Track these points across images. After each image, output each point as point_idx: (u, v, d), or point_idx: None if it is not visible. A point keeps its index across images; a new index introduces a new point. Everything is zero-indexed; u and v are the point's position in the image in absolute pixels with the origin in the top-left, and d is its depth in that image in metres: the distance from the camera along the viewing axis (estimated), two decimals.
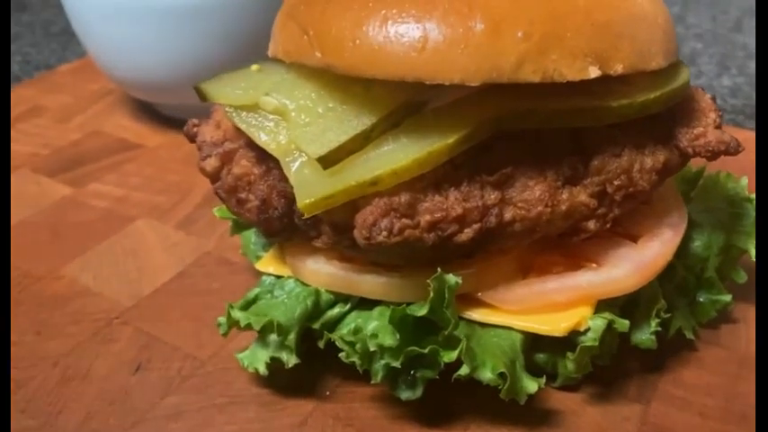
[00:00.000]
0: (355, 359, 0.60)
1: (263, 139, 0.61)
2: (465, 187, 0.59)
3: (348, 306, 0.66)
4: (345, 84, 0.60)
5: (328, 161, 0.58)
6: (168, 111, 1.11)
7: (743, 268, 0.71)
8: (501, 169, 0.59)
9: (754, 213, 0.69)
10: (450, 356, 0.58)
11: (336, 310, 0.66)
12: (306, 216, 0.59)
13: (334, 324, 0.66)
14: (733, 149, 0.61)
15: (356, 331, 0.63)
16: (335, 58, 0.56)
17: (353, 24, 0.55)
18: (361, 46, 0.55)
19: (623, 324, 0.61)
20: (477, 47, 0.53)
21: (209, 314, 0.74)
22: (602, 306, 0.62)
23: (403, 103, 0.59)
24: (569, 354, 0.61)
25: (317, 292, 0.65)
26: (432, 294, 0.58)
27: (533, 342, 0.63)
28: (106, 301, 0.77)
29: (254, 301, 0.70)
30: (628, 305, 0.64)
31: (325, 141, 0.58)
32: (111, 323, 0.75)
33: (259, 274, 0.77)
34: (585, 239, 0.62)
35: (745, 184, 0.71)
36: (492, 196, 0.59)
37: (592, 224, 0.60)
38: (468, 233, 0.58)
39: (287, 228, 0.65)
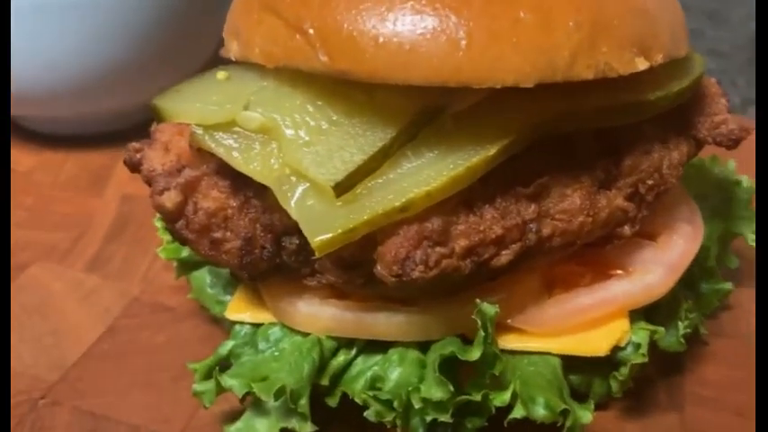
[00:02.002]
0: (390, 418, 0.51)
1: (249, 165, 0.49)
2: (500, 203, 0.51)
3: (354, 351, 0.56)
4: (343, 91, 0.50)
5: (344, 187, 0.47)
6: (35, 125, 0.92)
7: (733, 253, 0.69)
8: (535, 178, 0.51)
9: (745, 197, 0.67)
10: (502, 399, 0.51)
11: (341, 358, 0.56)
12: (319, 255, 0.48)
13: (341, 375, 0.55)
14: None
15: (375, 381, 0.54)
16: (352, 62, 0.46)
17: (373, 20, 0.45)
18: (387, 46, 0.45)
19: (662, 332, 0.56)
20: (528, 41, 0.45)
21: (163, 377, 0.61)
22: (633, 316, 0.57)
23: (420, 110, 0.49)
24: (616, 373, 0.55)
25: (318, 341, 0.55)
26: (480, 331, 0.50)
27: (567, 363, 0.57)
28: (21, 379, 0.61)
29: (229, 357, 0.58)
30: (649, 309, 0.60)
31: (339, 163, 0.48)
32: (37, 406, 0.59)
33: (214, 319, 0.65)
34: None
35: (733, 167, 0.69)
36: (529, 210, 0.51)
37: (627, 229, 0.55)
38: (506, 255, 0.51)
39: (273, 267, 0.54)
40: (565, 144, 0.52)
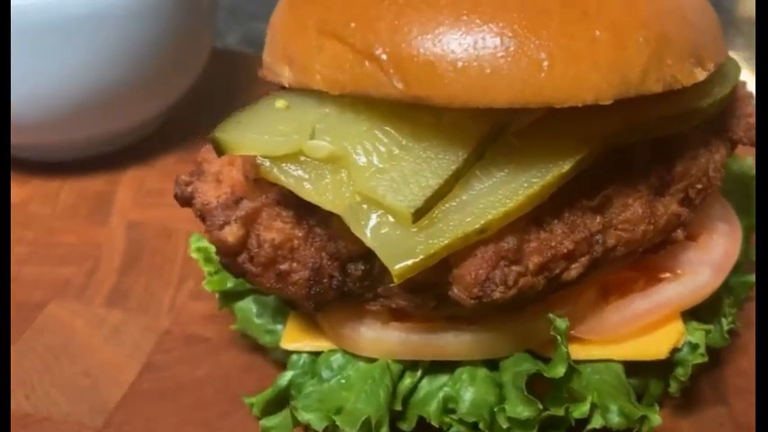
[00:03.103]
0: None
1: (321, 195, 0.48)
2: (567, 217, 0.51)
3: (419, 373, 0.55)
4: (409, 114, 0.49)
5: (422, 213, 0.47)
6: (23, 153, 0.87)
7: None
8: (598, 190, 0.52)
9: None
10: (581, 411, 0.51)
11: (408, 381, 0.55)
12: (397, 282, 0.47)
13: (409, 398, 0.55)
14: None
15: (447, 402, 0.53)
16: (430, 88, 0.45)
17: (450, 44, 0.44)
18: (467, 70, 0.44)
19: (713, 330, 0.58)
20: (605, 59, 0.45)
21: (212, 412, 0.60)
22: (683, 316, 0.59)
23: (488, 130, 0.49)
24: (676, 374, 0.57)
25: (387, 366, 0.54)
26: (560, 347, 0.50)
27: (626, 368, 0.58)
28: (64, 427, 0.58)
29: (289, 388, 0.56)
30: (693, 308, 0.62)
31: (416, 189, 0.47)
32: None
33: (253, 347, 0.63)
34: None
35: (751, 163, 0.71)
36: (595, 222, 0.52)
37: (680, 233, 0.56)
38: (576, 268, 0.51)
39: (339, 295, 0.53)
40: (623, 154, 0.53)
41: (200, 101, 0.94)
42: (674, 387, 0.58)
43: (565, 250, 0.50)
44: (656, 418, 0.54)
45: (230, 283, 0.61)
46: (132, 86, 0.80)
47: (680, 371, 0.57)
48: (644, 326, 0.57)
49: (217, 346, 0.65)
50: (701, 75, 0.50)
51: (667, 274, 0.59)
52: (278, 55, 0.53)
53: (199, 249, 0.63)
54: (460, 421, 0.51)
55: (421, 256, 0.47)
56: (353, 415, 0.50)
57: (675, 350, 0.57)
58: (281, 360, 0.61)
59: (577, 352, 0.56)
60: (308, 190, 0.48)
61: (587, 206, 0.52)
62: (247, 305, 0.61)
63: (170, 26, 0.79)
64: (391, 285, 0.51)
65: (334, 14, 0.49)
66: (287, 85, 0.52)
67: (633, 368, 0.58)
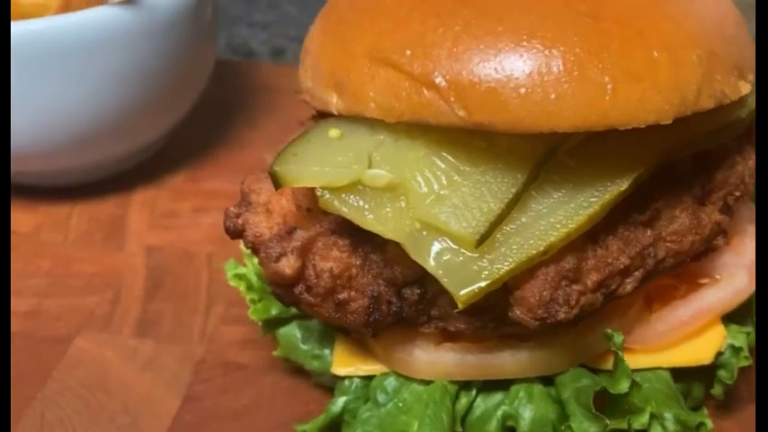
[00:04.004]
0: None
1: (383, 225, 0.48)
2: (621, 232, 0.52)
3: (474, 392, 0.56)
4: (463, 138, 0.49)
5: (485, 238, 0.47)
6: (29, 179, 0.84)
7: None
8: (648, 204, 0.53)
9: None
10: (641, 422, 0.52)
11: (464, 401, 0.55)
12: (462, 308, 0.48)
13: (465, 418, 0.55)
14: None
15: (506, 420, 0.54)
16: (492, 114, 0.45)
17: (514, 71, 0.44)
18: (531, 96, 0.44)
19: (752, 331, 0.60)
20: (665, 80, 0.45)
21: None
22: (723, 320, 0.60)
23: (543, 151, 0.49)
24: (722, 377, 0.58)
25: (445, 387, 0.54)
26: (621, 361, 0.51)
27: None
28: None
29: (342, 414, 0.56)
30: None
31: (478, 214, 0.47)
32: None
33: (293, 370, 0.63)
34: None
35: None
36: (646, 235, 0.52)
37: (721, 240, 0.57)
38: (630, 283, 0.52)
39: (396, 321, 0.52)
40: (667, 167, 0.54)
41: (197, 115, 0.92)
42: (718, 390, 0.59)
43: (621, 266, 0.51)
44: (709, 423, 0.55)
45: (275, 310, 0.60)
46: (145, 106, 0.79)
47: (724, 374, 0.58)
48: (688, 332, 0.58)
49: (255, 372, 0.65)
50: (744, 88, 0.51)
51: (706, 280, 0.60)
52: (323, 81, 0.52)
53: (238, 276, 0.62)
54: None
55: (488, 281, 0.47)
56: None
57: (718, 353, 0.59)
58: (326, 384, 0.61)
59: (629, 363, 0.57)
60: (370, 220, 0.48)
61: (638, 220, 0.52)
62: (291, 331, 0.61)
63: (179, 42, 0.78)
64: (455, 311, 0.51)
65: (387, 42, 0.48)
66: (335, 113, 0.51)
67: (676, 373, 0.59)
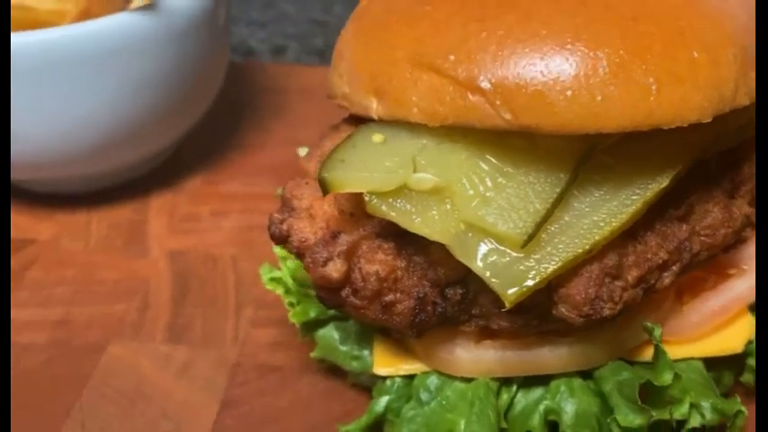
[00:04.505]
0: None
1: (430, 227, 0.48)
2: (659, 228, 0.53)
3: (514, 388, 0.57)
4: (504, 140, 0.49)
5: (532, 238, 0.48)
6: (44, 187, 0.84)
7: None
8: (683, 199, 0.54)
9: None
10: (681, 412, 0.53)
11: (505, 397, 0.56)
12: (509, 307, 0.48)
13: (506, 414, 0.56)
14: None
15: (549, 415, 0.55)
16: (539, 117, 0.46)
17: (560, 74, 0.45)
18: (578, 98, 0.45)
19: None
20: (705, 79, 0.47)
21: None
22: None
23: (584, 150, 0.50)
24: (749, 363, 0.59)
25: (488, 384, 0.55)
26: (662, 354, 0.52)
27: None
28: None
29: (385, 413, 0.57)
30: None
31: (525, 215, 0.48)
32: None
33: (328, 371, 0.64)
34: None
35: None
36: (682, 230, 0.54)
37: (749, 232, 0.59)
38: (668, 277, 0.53)
39: (440, 321, 0.53)
40: (700, 162, 0.55)
41: (206, 117, 0.92)
42: (748, 377, 0.60)
43: (660, 261, 0.52)
44: (745, 410, 0.56)
45: (313, 312, 0.61)
46: (163, 111, 0.79)
47: (753, 361, 0.60)
48: (719, 322, 0.59)
49: (291, 374, 0.65)
50: None
51: (734, 270, 0.62)
52: (362, 87, 0.52)
53: (274, 280, 0.62)
54: None
55: (535, 280, 0.48)
56: None
57: (748, 342, 0.60)
58: (364, 384, 0.62)
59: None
60: (417, 223, 0.48)
61: (674, 215, 0.53)
62: (329, 332, 0.61)
63: (196, 47, 0.78)
64: (502, 310, 0.51)
65: (428, 47, 0.49)
66: (374, 118, 0.52)
67: (707, 362, 0.61)
